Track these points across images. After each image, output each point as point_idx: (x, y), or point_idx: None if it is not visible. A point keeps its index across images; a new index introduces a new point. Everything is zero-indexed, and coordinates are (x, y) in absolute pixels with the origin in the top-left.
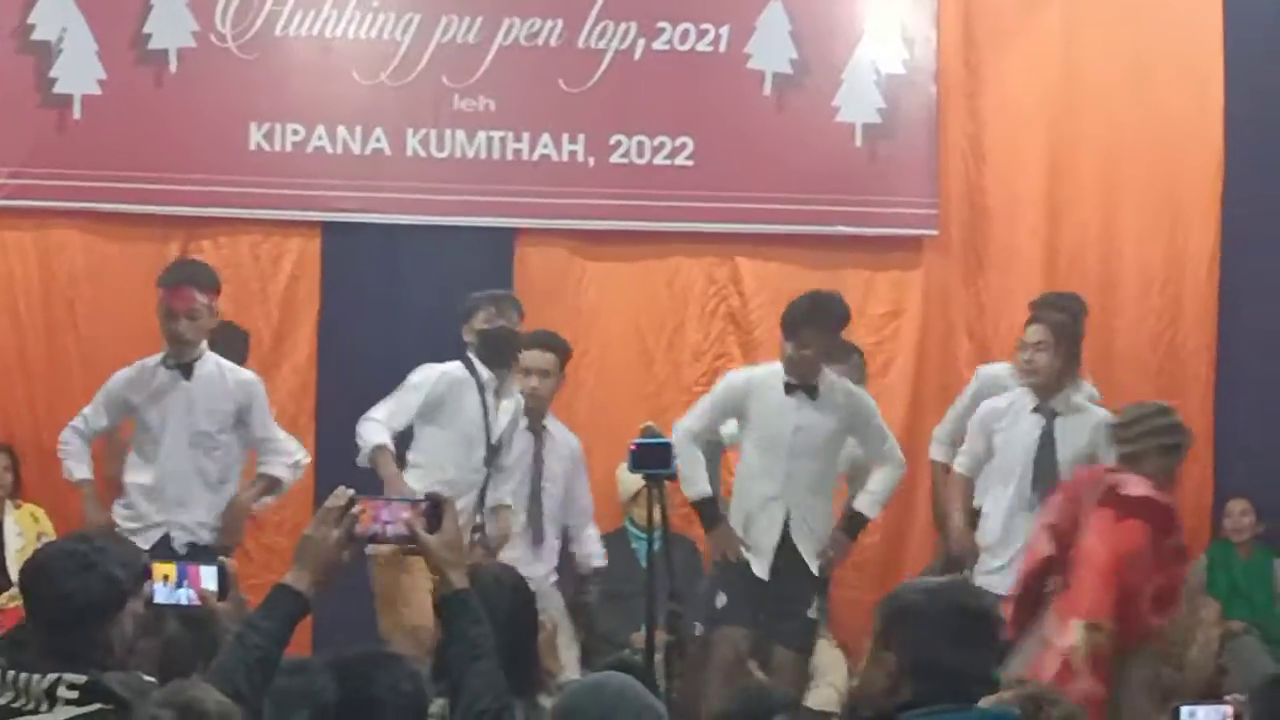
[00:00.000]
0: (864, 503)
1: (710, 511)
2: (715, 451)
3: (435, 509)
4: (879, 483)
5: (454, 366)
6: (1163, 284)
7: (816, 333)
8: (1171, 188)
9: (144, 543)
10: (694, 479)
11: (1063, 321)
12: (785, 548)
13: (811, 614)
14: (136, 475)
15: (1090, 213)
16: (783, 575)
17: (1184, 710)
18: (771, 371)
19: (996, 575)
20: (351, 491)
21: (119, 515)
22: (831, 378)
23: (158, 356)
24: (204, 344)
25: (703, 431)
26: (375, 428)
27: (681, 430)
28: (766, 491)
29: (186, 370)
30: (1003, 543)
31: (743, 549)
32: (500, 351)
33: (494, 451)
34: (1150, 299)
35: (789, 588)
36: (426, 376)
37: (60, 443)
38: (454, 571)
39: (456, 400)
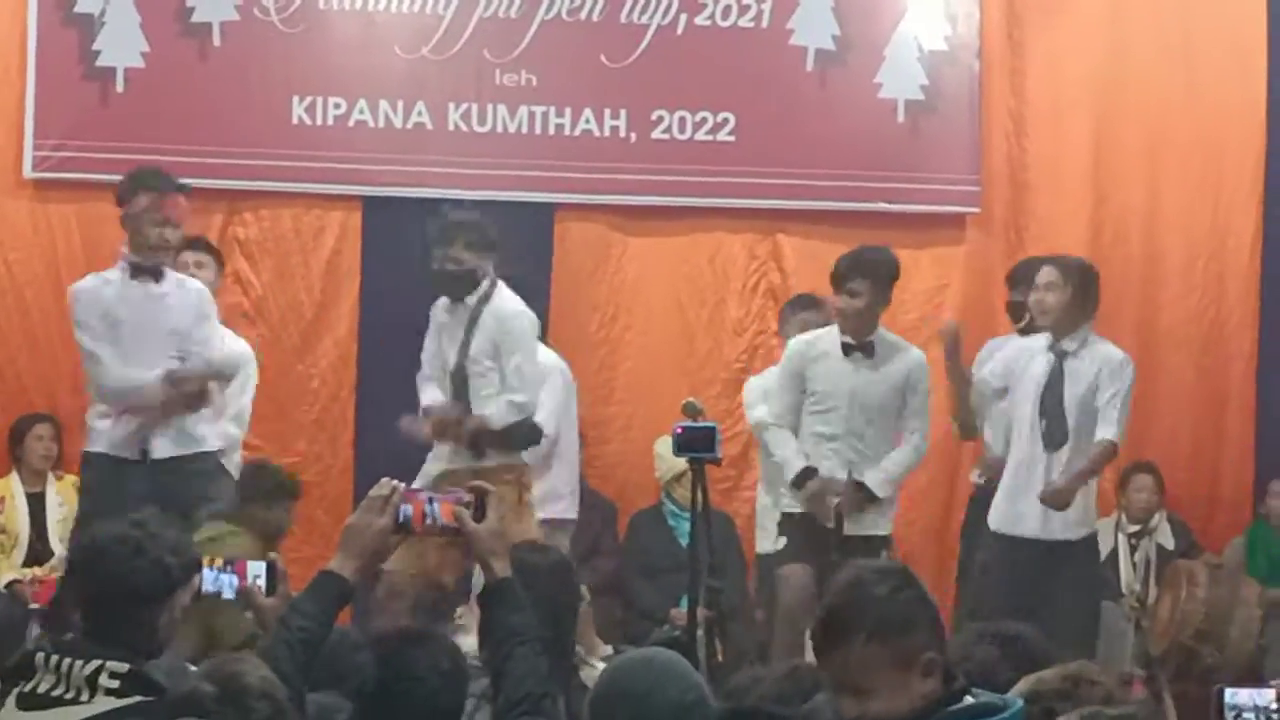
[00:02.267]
0: (874, 479)
1: (804, 476)
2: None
3: (480, 500)
4: (896, 462)
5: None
6: (1206, 260)
7: (865, 282)
8: (1215, 164)
9: (122, 452)
10: (791, 464)
11: (1071, 262)
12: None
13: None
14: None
15: (1133, 189)
16: (848, 541)
17: (1227, 693)
18: (829, 334)
19: (1017, 518)
20: (396, 482)
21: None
22: (890, 337)
23: (113, 271)
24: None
25: (784, 412)
26: (424, 388)
27: (762, 423)
28: (827, 455)
29: (157, 276)
30: (1017, 485)
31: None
32: (444, 291)
33: (457, 374)
34: (1193, 275)
35: (856, 549)
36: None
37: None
38: (498, 561)
39: (436, 328)
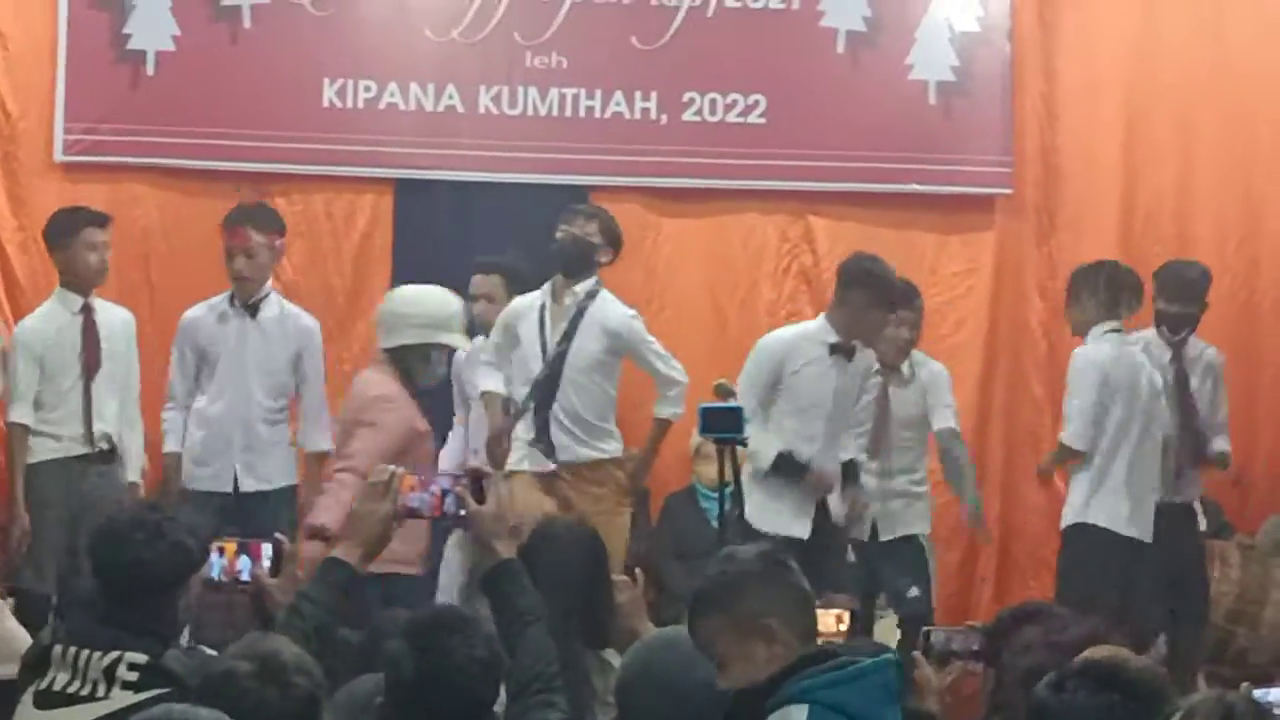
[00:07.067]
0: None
1: (790, 465)
2: None
3: (477, 482)
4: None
5: (532, 293)
6: (1239, 242)
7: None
8: (1248, 145)
9: (214, 486)
10: (764, 454)
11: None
12: (821, 515)
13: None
14: (200, 420)
15: (1165, 171)
16: (821, 546)
17: (1257, 692)
18: (805, 332)
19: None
20: (393, 467)
21: (188, 468)
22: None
23: (223, 296)
24: (269, 285)
25: (756, 409)
26: (484, 371)
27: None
28: (804, 456)
29: (252, 310)
30: (1132, 484)
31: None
32: (566, 263)
33: (551, 365)
34: (1226, 258)
35: (829, 559)
36: (506, 310)
37: (162, 421)
38: (501, 543)
39: (517, 324)
